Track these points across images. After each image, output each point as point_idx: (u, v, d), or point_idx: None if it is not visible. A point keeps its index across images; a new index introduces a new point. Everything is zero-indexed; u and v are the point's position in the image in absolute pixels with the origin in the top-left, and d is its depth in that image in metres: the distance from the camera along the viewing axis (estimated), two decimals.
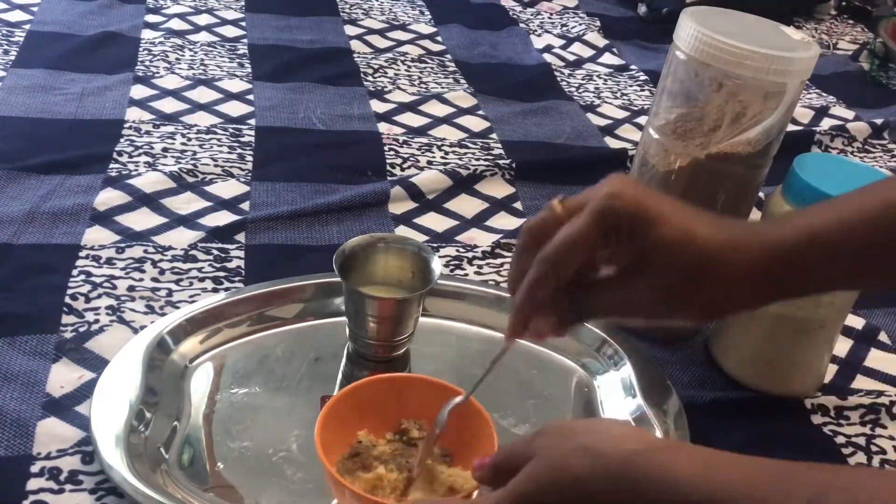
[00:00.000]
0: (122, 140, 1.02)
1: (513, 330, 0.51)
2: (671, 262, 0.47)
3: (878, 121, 1.31)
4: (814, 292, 0.53)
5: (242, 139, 1.06)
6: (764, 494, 0.38)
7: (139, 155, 0.99)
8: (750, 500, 0.38)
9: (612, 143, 1.18)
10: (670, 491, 0.40)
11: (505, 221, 0.98)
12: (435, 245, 0.91)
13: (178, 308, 0.76)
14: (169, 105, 1.11)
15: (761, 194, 0.89)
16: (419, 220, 0.96)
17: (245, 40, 1.33)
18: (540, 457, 0.45)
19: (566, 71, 1.39)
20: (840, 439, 0.74)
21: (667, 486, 0.41)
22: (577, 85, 1.34)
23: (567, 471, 0.44)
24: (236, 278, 0.82)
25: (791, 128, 1.11)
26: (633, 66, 1.42)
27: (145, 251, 0.84)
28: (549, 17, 1.61)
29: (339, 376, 0.73)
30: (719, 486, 0.40)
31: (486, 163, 1.06)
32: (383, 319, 0.71)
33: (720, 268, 0.47)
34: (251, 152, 1.04)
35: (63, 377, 0.69)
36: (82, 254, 0.82)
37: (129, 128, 1.05)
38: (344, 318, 0.75)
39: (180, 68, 1.21)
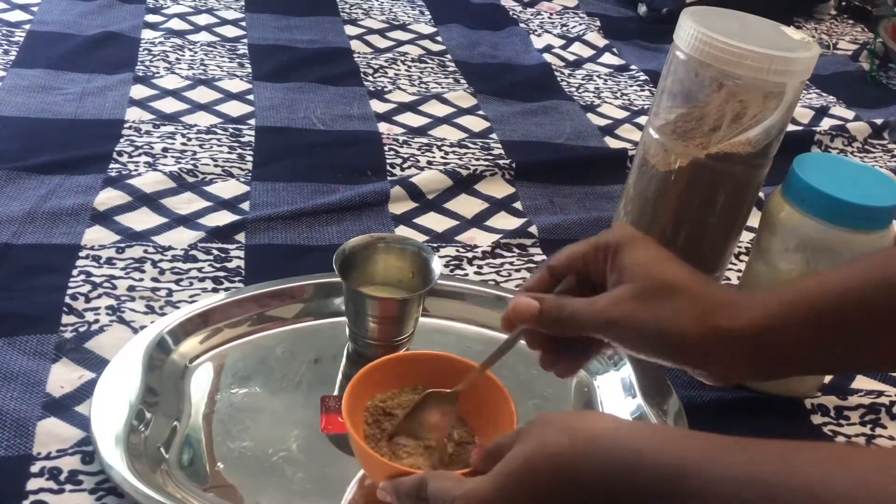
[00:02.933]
0: (122, 140, 1.02)
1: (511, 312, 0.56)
2: (643, 273, 0.52)
3: (878, 121, 1.31)
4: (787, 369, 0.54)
5: (242, 139, 1.06)
6: (712, 458, 0.42)
7: (139, 155, 0.99)
8: (699, 462, 0.42)
9: (612, 143, 1.18)
10: (635, 460, 0.44)
11: (505, 221, 0.98)
12: (435, 245, 0.91)
13: (178, 308, 0.76)
14: (169, 105, 1.11)
15: (761, 194, 0.89)
16: (419, 220, 0.96)
17: (245, 40, 1.33)
18: (522, 440, 0.48)
19: (566, 71, 1.39)
20: (840, 439, 0.74)
21: (632, 457, 0.44)
22: (577, 85, 1.34)
23: (545, 448, 0.47)
24: (236, 278, 0.82)
25: (791, 128, 1.11)
26: (633, 66, 1.42)
27: (145, 251, 0.84)
28: (549, 17, 1.61)
29: (339, 376, 0.73)
30: (678, 455, 0.43)
31: (486, 163, 1.06)
32: (383, 319, 0.71)
33: (683, 287, 0.52)
34: (251, 152, 1.04)
35: (63, 377, 0.69)
36: (82, 254, 0.82)
37: (129, 128, 1.05)
38: (344, 319, 0.75)
39: (180, 68, 1.21)
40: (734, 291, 0.54)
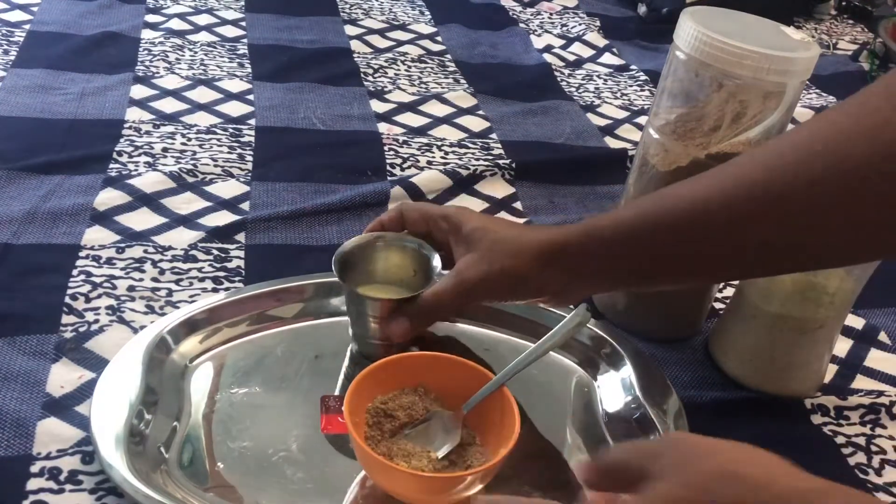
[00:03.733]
0: (122, 140, 1.02)
1: None
2: (480, 238, 0.66)
3: None
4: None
5: (242, 139, 1.06)
6: None
7: (139, 155, 0.99)
8: None
9: (612, 143, 1.18)
10: None
11: None
12: None
13: (178, 308, 0.76)
14: (169, 105, 1.11)
15: None
16: None
17: (245, 40, 1.33)
18: (671, 476, 0.42)
19: (566, 71, 1.39)
20: (840, 439, 0.74)
21: None
22: (577, 85, 1.34)
23: (707, 495, 0.41)
24: (236, 278, 0.82)
25: (791, 128, 1.11)
26: (633, 66, 1.42)
27: (145, 251, 0.84)
28: (549, 17, 1.61)
29: (342, 377, 0.72)
30: None
31: (486, 163, 1.06)
32: (385, 320, 0.71)
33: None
34: (251, 152, 1.04)
35: (63, 377, 0.69)
36: (82, 254, 0.82)
37: (129, 128, 1.05)
38: (344, 318, 0.75)
39: (180, 68, 1.21)
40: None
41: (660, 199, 0.61)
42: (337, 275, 0.70)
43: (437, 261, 0.72)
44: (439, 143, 1.11)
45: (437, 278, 0.71)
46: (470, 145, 1.12)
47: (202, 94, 1.15)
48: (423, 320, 0.69)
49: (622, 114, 1.27)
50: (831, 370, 0.81)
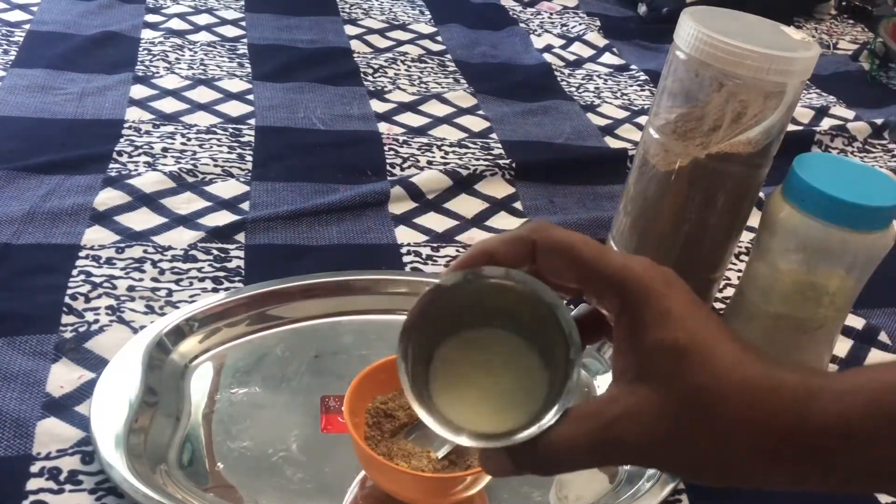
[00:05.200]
0: (121, 140, 1.02)
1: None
2: (680, 374, 0.37)
3: (878, 121, 1.31)
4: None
5: (242, 139, 1.06)
6: None
7: (139, 155, 0.99)
8: None
9: (612, 143, 1.18)
10: None
11: (505, 221, 0.98)
12: (435, 245, 0.91)
13: (178, 308, 0.76)
14: (169, 105, 1.11)
15: (761, 194, 0.89)
16: (419, 220, 0.96)
17: (245, 40, 1.33)
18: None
19: (566, 71, 1.39)
20: None
21: None
22: (577, 85, 1.34)
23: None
24: (236, 278, 0.82)
25: (791, 128, 1.11)
26: (633, 66, 1.42)
27: (145, 251, 0.84)
28: (549, 17, 1.61)
29: (340, 376, 0.72)
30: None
31: (486, 163, 1.06)
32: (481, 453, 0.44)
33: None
34: (251, 152, 1.04)
35: (63, 377, 0.69)
36: (82, 254, 0.82)
37: (129, 128, 1.05)
38: (344, 318, 0.74)
39: (180, 68, 1.21)
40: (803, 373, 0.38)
41: None
42: (401, 368, 0.41)
43: (573, 381, 0.40)
44: (439, 143, 1.11)
45: (568, 395, 0.40)
46: (470, 145, 1.12)
47: (202, 94, 1.15)
48: (535, 471, 0.41)
49: (622, 114, 1.27)
50: (831, 370, 0.81)
